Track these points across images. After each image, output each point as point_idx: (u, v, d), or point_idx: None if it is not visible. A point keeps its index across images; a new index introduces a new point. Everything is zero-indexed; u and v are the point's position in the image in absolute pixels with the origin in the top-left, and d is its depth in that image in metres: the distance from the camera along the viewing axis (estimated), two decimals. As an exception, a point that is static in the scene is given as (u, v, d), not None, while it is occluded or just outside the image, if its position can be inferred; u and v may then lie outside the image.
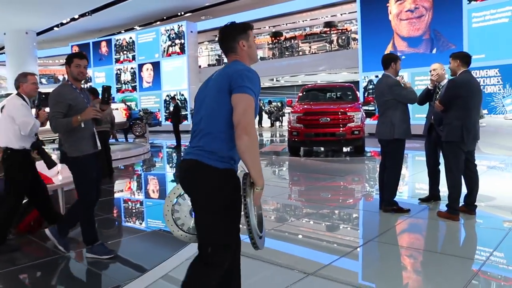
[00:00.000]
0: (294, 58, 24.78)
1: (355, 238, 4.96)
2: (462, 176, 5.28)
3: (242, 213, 2.25)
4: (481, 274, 3.63)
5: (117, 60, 28.62)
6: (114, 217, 6.23)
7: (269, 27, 32.80)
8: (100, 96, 4.46)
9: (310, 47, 25.59)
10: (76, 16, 24.73)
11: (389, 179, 5.55)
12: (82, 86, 4.26)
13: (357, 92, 13.31)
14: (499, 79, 14.45)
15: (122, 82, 28.49)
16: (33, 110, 4.75)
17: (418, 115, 11.42)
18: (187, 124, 24.31)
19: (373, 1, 17.85)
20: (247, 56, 2.51)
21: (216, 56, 31.08)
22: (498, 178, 7.94)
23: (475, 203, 5.41)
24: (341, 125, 11.08)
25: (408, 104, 5.58)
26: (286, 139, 12.73)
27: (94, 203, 4.20)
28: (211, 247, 2.33)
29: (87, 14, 23.98)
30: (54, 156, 6.41)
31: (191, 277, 2.41)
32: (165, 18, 27.37)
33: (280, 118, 22.84)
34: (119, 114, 14.63)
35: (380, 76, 5.80)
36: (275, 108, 21.82)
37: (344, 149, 12.81)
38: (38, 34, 27.24)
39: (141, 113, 21.82)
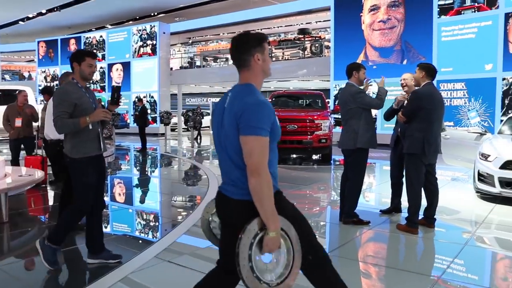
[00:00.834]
0: (267, 64, 24.67)
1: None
2: (422, 189, 5.23)
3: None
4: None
5: (87, 59, 28.01)
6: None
7: (244, 31, 32.71)
8: (109, 98, 4.23)
9: (283, 53, 25.59)
10: (44, 11, 24.14)
11: (350, 190, 5.45)
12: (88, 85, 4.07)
13: (327, 100, 13.28)
14: (465, 93, 14.67)
15: (91, 81, 27.89)
16: None
17: (387, 125, 11.47)
18: (154, 127, 24.00)
19: (347, 10, 17.93)
20: (261, 71, 2.31)
21: (188, 59, 30.83)
22: (459, 190, 7.96)
23: (435, 216, 5.36)
24: (308, 133, 11.00)
25: (377, 115, 5.51)
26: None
27: (87, 212, 3.96)
28: None
29: (55, 9, 23.45)
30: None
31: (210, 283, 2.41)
32: (137, 18, 27.02)
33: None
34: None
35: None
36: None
37: (314, 157, 12.74)
38: (2, 27, 26.44)
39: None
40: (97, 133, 3.93)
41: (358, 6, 17.58)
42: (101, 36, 27.57)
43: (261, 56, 2.27)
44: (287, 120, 11.13)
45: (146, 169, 11.95)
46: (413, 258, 4.61)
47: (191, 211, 6.53)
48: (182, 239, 5.01)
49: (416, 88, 5.27)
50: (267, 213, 2.10)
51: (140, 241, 5.08)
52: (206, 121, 27.88)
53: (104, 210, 5.79)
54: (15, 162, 8.18)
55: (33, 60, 34.38)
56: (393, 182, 6.04)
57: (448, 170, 9.91)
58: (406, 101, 5.63)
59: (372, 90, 9.10)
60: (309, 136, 10.97)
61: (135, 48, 26.08)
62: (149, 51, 25.56)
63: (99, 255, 4.02)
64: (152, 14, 26.43)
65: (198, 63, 29.58)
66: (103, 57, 27.18)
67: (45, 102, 7.27)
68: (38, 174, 6.40)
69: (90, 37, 28.03)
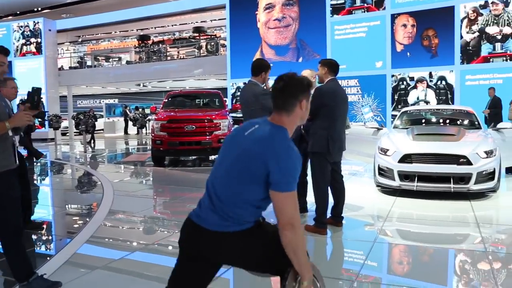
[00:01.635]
0: (161, 63, 23.91)
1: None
2: (329, 188, 5.07)
3: None
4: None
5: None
6: None
7: (137, 29, 31.54)
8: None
9: (178, 52, 24.96)
10: None
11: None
12: None
13: (225, 99, 12.98)
14: (358, 89, 15.17)
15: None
16: None
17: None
18: (43, 132, 22.16)
19: (242, 8, 17.78)
20: (299, 118, 2.18)
21: (78, 58, 29.06)
22: (361, 185, 8.04)
23: (342, 214, 5.23)
24: (207, 133, 10.62)
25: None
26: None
27: (21, 229, 3.34)
28: None
29: None
30: None
31: None
32: (18, 12, 24.83)
33: (146, 125, 21.94)
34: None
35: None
36: (140, 115, 20.79)
37: (213, 157, 12.36)
38: None
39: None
40: (12, 143, 3.31)
41: (253, 4, 17.50)
42: (-25, 33, 25.01)
43: (306, 103, 2.16)
44: (184, 120, 10.66)
45: (35, 179, 10.80)
46: (324, 261, 4.39)
47: (88, 219, 5.89)
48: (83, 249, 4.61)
49: (319, 84, 5.08)
50: (301, 264, 2.03)
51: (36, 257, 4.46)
52: (100, 123, 26.44)
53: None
54: None
55: None
56: (298, 181, 5.84)
57: (346, 165, 10.02)
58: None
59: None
60: (208, 137, 10.58)
61: (17, 46, 23.95)
62: (34, 50, 23.61)
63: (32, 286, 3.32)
64: (36, 9, 24.44)
65: (89, 63, 27.94)
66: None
67: None
68: None
69: (-39, 34, 25.32)
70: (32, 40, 23.69)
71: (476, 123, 8.24)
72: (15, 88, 5.00)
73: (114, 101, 36.77)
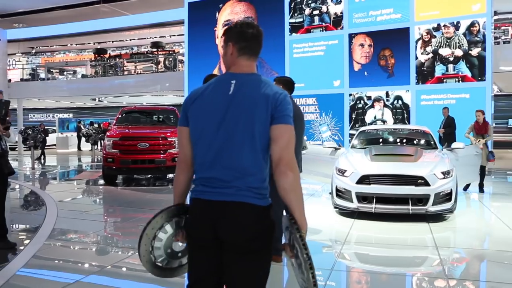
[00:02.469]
0: (118, 77, 23.39)
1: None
2: (284, 212, 4.82)
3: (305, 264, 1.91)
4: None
5: None
6: None
7: (94, 43, 30.88)
8: None
9: (136, 67, 24.47)
10: None
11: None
12: None
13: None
14: (316, 107, 15.14)
15: None
16: None
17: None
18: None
19: (201, 24, 17.60)
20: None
21: (30, 70, 28.07)
22: (319, 206, 7.84)
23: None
24: (161, 151, 10.25)
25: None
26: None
27: None
28: None
29: None
30: None
31: None
32: (-36, 20, 23.85)
33: (100, 141, 21.27)
34: None
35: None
36: (94, 131, 20.10)
37: (170, 175, 11.94)
38: None
39: None
40: None
41: (212, 20, 17.34)
42: None
43: None
44: (137, 138, 10.28)
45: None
46: (277, 291, 4.14)
47: (26, 241, 5.45)
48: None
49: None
50: (302, 211, 1.97)
51: None
52: (52, 139, 25.49)
53: None
54: None
55: None
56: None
57: (303, 185, 9.86)
58: None
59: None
60: (162, 155, 10.22)
61: (-37, 57, 22.92)
62: (-19, 61, 22.64)
63: None
64: (-15, 17, 23.53)
65: (42, 76, 27.01)
66: None
67: None
68: None
69: None
70: (-20, 50, 22.75)
71: (432, 142, 8.25)
72: None
73: (69, 115, 35.71)
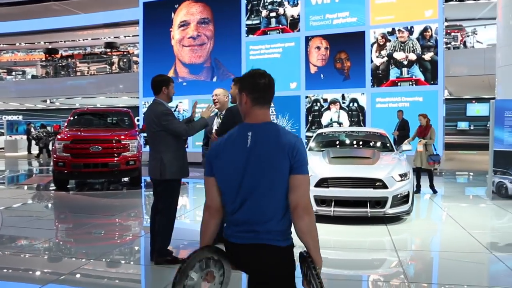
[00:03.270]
0: (70, 78, 22.65)
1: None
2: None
3: None
4: None
5: None
6: None
7: (45, 42, 29.85)
8: None
9: (89, 68, 23.76)
10: None
11: (161, 224, 4.63)
12: None
13: (136, 118, 12.32)
14: (272, 110, 15.10)
15: None
16: None
17: (198, 143, 11.02)
18: None
19: (156, 25, 17.28)
20: None
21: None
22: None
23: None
24: (115, 155, 9.91)
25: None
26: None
27: None
28: None
29: None
30: None
31: None
32: None
33: (50, 144, 20.54)
34: None
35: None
36: (44, 134, 19.34)
37: (126, 179, 11.56)
38: None
39: None
40: None
41: (168, 21, 17.06)
42: None
43: None
44: (90, 141, 9.88)
45: None
46: (236, 300, 4.01)
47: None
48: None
49: (232, 104, 4.71)
50: (317, 248, 2.15)
51: None
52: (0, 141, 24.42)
53: None
54: None
55: None
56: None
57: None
58: (217, 120, 5.11)
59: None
60: (115, 158, 9.88)
61: None
62: None
63: None
64: None
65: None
66: None
67: None
68: None
69: None
70: None
71: (388, 145, 8.32)
72: None
73: (18, 117, 34.31)
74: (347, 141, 8.66)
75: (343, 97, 14.44)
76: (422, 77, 13.53)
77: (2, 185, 12.42)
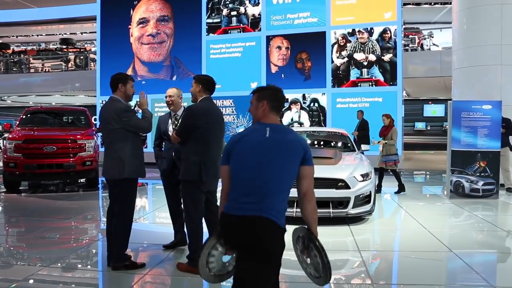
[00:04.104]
0: (23, 75, 21.76)
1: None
2: (203, 220, 4.54)
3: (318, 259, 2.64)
4: None
5: None
6: None
7: (-4, 37, 28.66)
8: None
9: (43, 64, 22.92)
10: None
11: (119, 228, 4.43)
12: None
13: (93, 117, 11.92)
14: (233, 109, 15.00)
15: None
16: None
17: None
18: None
19: (114, 21, 16.86)
20: None
21: None
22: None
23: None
24: (70, 155, 9.54)
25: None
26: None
27: None
28: None
29: None
30: None
31: None
32: None
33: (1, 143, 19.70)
34: None
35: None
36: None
37: (82, 180, 11.14)
38: None
39: None
40: None
41: (127, 18, 16.67)
42: None
43: None
44: (43, 140, 9.47)
45: None
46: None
47: None
48: None
49: (192, 103, 4.55)
50: (316, 226, 2.67)
51: None
52: None
53: None
54: None
55: None
56: (172, 211, 5.25)
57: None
58: (172, 120, 4.99)
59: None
60: (71, 159, 9.52)
61: None
62: None
63: None
64: None
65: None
66: None
67: None
68: None
69: None
70: None
71: (350, 145, 8.34)
72: None
73: (-33, 116, 32.82)
74: (309, 141, 8.62)
75: (303, 97, 14.46)
76: (381, 78, 13.70)
77: None
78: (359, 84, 13.97)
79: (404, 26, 17.09)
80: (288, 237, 2.60)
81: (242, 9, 15.17)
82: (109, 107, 4.47)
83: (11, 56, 23.63)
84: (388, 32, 13.64)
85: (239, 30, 15.26)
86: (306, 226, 2.67)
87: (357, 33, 14.00)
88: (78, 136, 9.75)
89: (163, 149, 5.32)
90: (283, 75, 14.67)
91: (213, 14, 15.52)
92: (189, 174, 4.29)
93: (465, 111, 8.84)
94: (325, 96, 14.26)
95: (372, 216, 6.93)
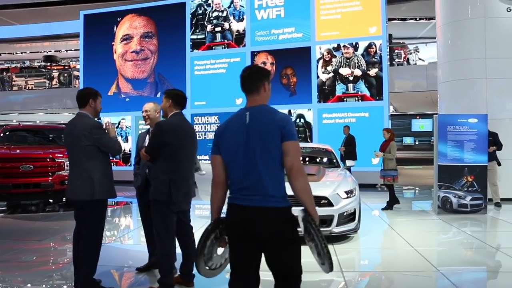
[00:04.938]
0: (6, 93, 21.42)
1: None
2: (175, 241, 4.29)
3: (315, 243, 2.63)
4: None
5: None
6: None
7: (-21, 54, 28.32)
8: None
9: (26, 82, 22.62)
10: None
11: (87, 251, 4.16)
12: None
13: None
14: (218, 126, 14.78)
15: None
16: None
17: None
18: None
19: (98, 38, 16.70)
20: (267, 98, 2.78)
21: None
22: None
23: (193, 272, 4.46)
24: (49, 174, 9.25)
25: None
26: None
27: None
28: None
29: None
30: None
31: None
32: None
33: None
34: None
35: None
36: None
37: (64, 200, 10.79)
38: None
39: None
40: None
41: (110, 34, 16.50)
42: None
43: (268, 86, 2.79)
44: (20, 159, 9.19)
45: None
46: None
47: None
48: None
49: (162, 119, 4.33)
50: (312, 204, 2.62)
51: None
52: None
53: None
54: None
55: None
56: (147, 231, 4.98)
57: (202, 209, 9.41)
58: (149, 136, 4.75)
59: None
60: (49, 178, 9.22)
61: None
62: None
63: None
64: None
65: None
66: None
67: None
68: None
69: None
70: None
71: (335, 161, 8.16)
72: None
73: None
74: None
75: (289, 112, 14.29)
76: (367, 93, 13.59)
77: None
78: (345, 99, 13.84)
79: (390, 41, 17.09)
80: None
81: (226, 25, 15.06)
82: (79, 123, 4.23)
83: (-7, 74, 23.33)
84: (374, 46, 13.57)
85: (223, 46, 15.13)
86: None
87: (342, 48, 13.92)
88: (57, 154, 9.47)
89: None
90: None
91: (197, 30, 15.40)
92: (159, 193, 4.05)
93: (451, 125, 8.72)
94: (311, 111, 14.11)
95: (358, 234, 6.71)
